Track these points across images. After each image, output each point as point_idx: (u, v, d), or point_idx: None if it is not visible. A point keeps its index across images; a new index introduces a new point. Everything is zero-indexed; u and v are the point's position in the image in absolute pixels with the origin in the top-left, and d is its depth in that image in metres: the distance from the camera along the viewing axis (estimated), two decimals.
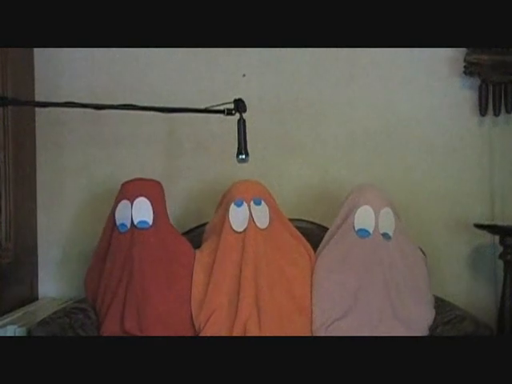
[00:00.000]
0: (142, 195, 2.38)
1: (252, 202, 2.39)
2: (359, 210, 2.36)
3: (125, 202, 2.39)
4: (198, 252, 2.48)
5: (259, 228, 2.39)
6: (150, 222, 2.38)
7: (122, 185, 2.45)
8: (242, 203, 2.39)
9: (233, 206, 2.40)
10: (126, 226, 2.38)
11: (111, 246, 2.42)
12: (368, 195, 2.38)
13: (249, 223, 2.38)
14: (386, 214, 2.36)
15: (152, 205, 2.39)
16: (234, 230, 2.39)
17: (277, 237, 2.44)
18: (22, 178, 2.76)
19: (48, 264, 2.90)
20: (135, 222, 2.36)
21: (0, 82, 2.55)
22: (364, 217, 2.35)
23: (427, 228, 2.83)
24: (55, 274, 2.90)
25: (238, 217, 2.39)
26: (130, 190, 2.41)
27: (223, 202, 2.47)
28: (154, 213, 2.39)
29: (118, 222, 2.40)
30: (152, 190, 2.43)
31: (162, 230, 2.41)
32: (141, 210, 2.37)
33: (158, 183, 2.48)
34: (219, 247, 2.40)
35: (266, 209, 2.42)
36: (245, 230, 2.38)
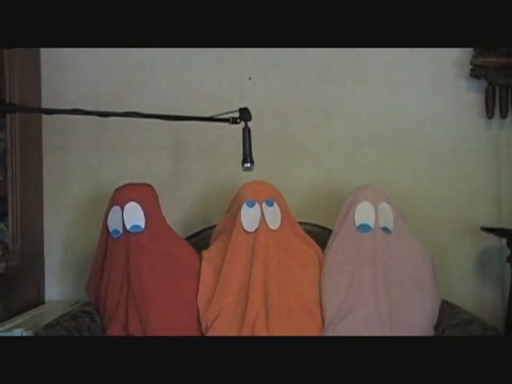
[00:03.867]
0: (132, 200, 2.37)
1: (264, 203, 2.39)
2: (358, 206, 2.38)
3: (116, 208, 2.39)
4: (206, 252, 2.48)
5: (270, 229, 2.38)
6: (143, 225, 2.37)
7: (114, 191, 2.45)
8: (254, 203, 2.39)
9: (245, 206, 2.39)
10: (118, 231, 2.38)
11: (107, 253, 2.43)
12: (365, 192, 2.41)
13: (260, 224, 2.37)
14: (385, 208, 2.38)
15: (143, 208, 2.38)
16: (245, 230, 2.38)
17: (287, 238, 2.44)
18: (29, 182, 2.77)
19: (54, 267, 2.91)
20: (128, 227, 2.36)
21: (7, 86, 2.58)
22: (364, 212, 2.37)
23: (434, 231, 2.83)
24: (62, 277, 2.91)
25: (249, 217, 2.38)
26: (119, 195, 2.41)
27: (234, 203, 2.46)
28: (145, 216, 2.38)
29: (110, 229, 2.40)
30: (142, 194, 2.42)
31: (156, 233, 2.41)
32: (132, 215, 2.36)
33: (150, 187, 2.47)
34: (229, 247, 2.39)
35: (278, 210, 2.42)
36: (256, 231, 2.37)
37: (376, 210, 2.36)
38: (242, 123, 2.08)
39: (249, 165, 2.08)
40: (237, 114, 2.08)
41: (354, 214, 2.38)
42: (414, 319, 2.29)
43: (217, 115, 2.09)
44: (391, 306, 2.29)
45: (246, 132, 2.08)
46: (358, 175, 2.85)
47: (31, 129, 2.81)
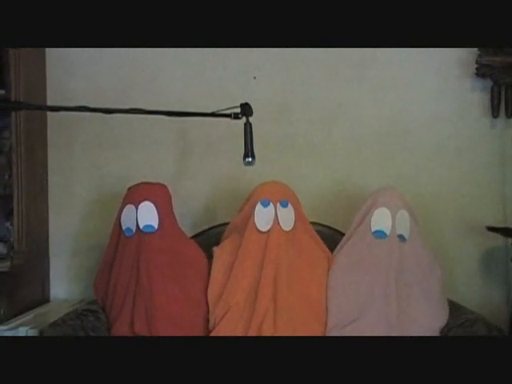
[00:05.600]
0: (146, 199, 2.38)
1: (278, 204, 2.38)
2: (376, 211, 2.36)
3: (130, 207, 2.39)
4: (217, 249, 2.48)
5: (283, 230, 2.38)
6: (156, 225, 2.37)
7: (128, 189, 2.45)
8: (268, 203, 2.38)
9: (259, 206, 2.39)
10: (131, 230, 2.38)
11: (118, 251, 2.43)
12: (385, 197, 2.38)
13: (273, 224, 2.37)
14: (403, 216, 2.35)
15: (157, 209, 2.38)
16: (258, 230, 2.38)
17: (299, 240, 2.43)
18: (34, 179, 2.78)
19: (59, 266, 2.91)
20: (141, 227, 2.36)
21: (13, 84, 2.58)
22: (381, 218, 2.35)
23: (439, 231, 2.82)
24: (67, 275, 2.92)
25: (263, 217, 2.38)
26: (134, 194, 2.41)
27: (249, 202, 2.45)
28: (159, 217, 2.38)
29: (123, 227, 2.41)
30: (157, 193, 2.42)
31: (168, 234, 2.41)
32: (146, 214, 2.37)
33: (164, 187, 2.47)
34: (242, 245, 2.39)
35: (292, 211, 2.41)
36: (269, 231, 2.37)
37: (394, 217, 2.33)
38: (244, 119, 2.08)
39: (250, 159, 2.07)
40: (239, 110, 2.08)
41: (370, 218, 2.36)
42: (420, 329, 2.27)
43: (219, 111, 2.09)
44: (398, 315, 2.27)
45: (248, 127, 2.08)
46: (363, 174, 2.85)
47: (36, 127, 2.81)
